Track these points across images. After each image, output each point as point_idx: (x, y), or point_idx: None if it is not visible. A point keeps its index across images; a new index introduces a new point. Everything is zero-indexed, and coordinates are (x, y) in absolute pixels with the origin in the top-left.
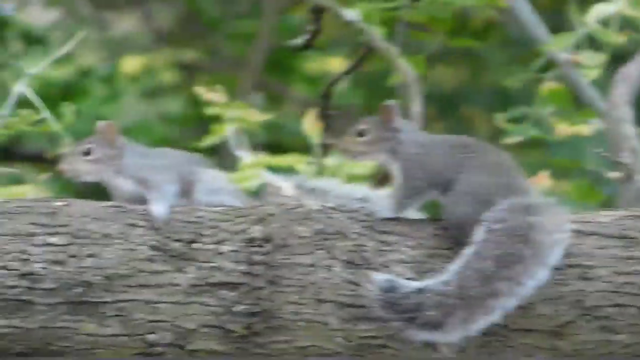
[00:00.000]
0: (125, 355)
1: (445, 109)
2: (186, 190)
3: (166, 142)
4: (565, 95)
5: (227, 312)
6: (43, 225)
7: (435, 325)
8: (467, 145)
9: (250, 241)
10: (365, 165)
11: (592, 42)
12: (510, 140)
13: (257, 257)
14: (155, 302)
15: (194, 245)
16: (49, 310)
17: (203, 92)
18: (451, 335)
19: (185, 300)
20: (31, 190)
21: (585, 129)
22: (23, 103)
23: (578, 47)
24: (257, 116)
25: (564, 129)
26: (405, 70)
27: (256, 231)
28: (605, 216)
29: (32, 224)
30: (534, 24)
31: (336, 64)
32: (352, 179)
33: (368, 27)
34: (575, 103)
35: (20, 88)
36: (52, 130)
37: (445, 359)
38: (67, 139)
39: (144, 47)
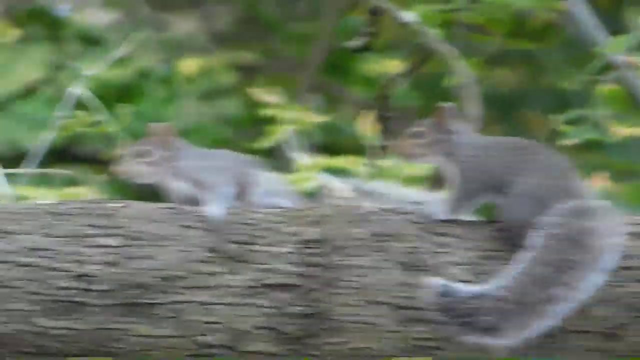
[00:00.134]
0: (178, 356)
1: (502, 111)
2: (241, 192)
3: (222, 144)
4: (622, 97)
5: (281, 314)
6: (99, 226)
7: (491, 330)
8: (522, 147)
9: (306, 243)
10: (421, 167)
11: None
12: (567, 142)
13: (312, 259)
14: (210, 304)
15: (249, 247)
16: (103, 312)
17: (258, 93)
18: (507, 340)
19: (239, 302)
20: (87, 191)
21: None
22: (80, 104)
23: (636, 49)
24: (313, 118)
25: (620, 130)
26: (463, 72)
27: (312, 233)
28: None
29: (88, 225)
30: (592, 25)
31: (394, 65)
32: (408, 180)
33: (426, 29)
34: (633, 105)
35: (77, 89)
36: (109, 132)
37: None
38: (124, 140)
39: (202, 49)
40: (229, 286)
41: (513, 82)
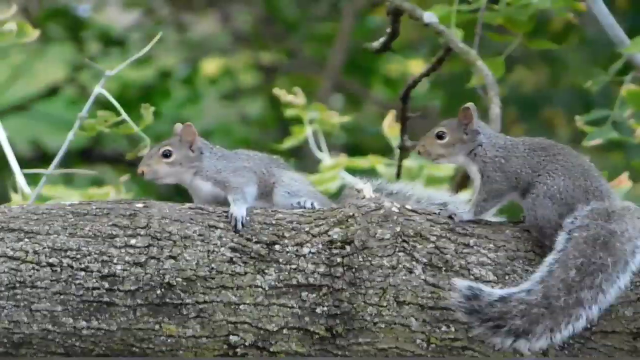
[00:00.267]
0: (206, 356)
1: (525, 111)
2: (266, 192)
3: (246, 144)
4: None
5: (308, 314)
6: (123, 227)
7: (521, 333)
8: (546, 148)
9: (331, 243)
10: (445, 168)
11: None
12: (591, 142)
13: (337, 259)
14: (236, 304)
15: (274, 247)
16: (129, 312)
17: (282, 94)
18: (538, 343)
19: (266, 302)
20: (111, 192)
21: None
22: (102, 104)
23: None
24: (336, 118)
25: None
26: (484, 72)
27: (336, 233)
28: None
29: (113, 225)
30: (612, 25)
31: (416, 66)
32: (431, 181)
33: (447, 30)
34: None
35: (99, 89)
36: (131, 132)
37: None
38: (146, 140)
39: (224, 49)
40: (255, 286)
41: (535, 82)
